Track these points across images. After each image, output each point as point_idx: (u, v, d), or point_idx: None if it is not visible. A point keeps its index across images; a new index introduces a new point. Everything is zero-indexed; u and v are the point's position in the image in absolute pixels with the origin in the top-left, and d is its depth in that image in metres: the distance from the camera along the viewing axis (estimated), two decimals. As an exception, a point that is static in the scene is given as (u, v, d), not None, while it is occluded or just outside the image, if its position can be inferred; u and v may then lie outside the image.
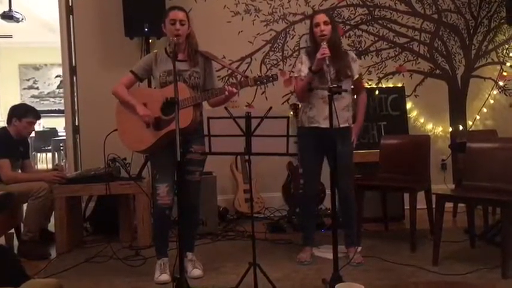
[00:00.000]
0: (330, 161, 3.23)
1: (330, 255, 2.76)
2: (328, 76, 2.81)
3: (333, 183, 2.81)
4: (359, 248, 3.32)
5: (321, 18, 3.14)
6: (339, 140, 3.13)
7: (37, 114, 3.93)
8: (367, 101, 4.81)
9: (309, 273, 3.06)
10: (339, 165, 2.98)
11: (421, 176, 3.75)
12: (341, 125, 3.13)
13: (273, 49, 4.84)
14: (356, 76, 3.26)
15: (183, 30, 2.94)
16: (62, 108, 4.97)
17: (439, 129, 5.03)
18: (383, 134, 4.69)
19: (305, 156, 3.32)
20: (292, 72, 3.39)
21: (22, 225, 3.75)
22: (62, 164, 7.66)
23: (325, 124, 3.13)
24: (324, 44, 2.99)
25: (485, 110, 5.08)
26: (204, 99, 2.96)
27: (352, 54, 3.34)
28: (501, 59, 5.12)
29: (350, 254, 3.22)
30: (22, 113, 3.82)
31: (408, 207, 3.60)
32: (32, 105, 4.34)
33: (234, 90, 2.87)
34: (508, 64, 5.10)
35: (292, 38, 4.84)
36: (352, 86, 3.32)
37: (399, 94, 4.90)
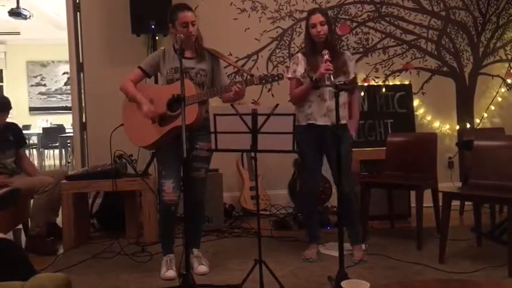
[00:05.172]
0: (329, 159, 3.23)
1: (336, 253, 2.76)
2: (325, 76, 2.83)
3: (339, 181, 2.80)
4: (363, 246, 3.32)
5: (317, 18, 3.11)
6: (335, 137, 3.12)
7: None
8: (374, 98, 4.83)
9: (314, 270, 3.06)
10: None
11: (428, 173, 3.73)
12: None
13: (279, 46, 4.83)
14: (352, 75, 3.24)
15: (196, 30, 2.96)
16: (69, 105, 4.99)
17: (446, 127, 5.01)
18: (390, 131, 4.68)
19: (304, 153, 3.31)
20: (287, 73, 3.36)
21: (29, 220, 3.78)
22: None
23: (322, 121, 3.16)
24: (326, 55, 2.95)
25: (493, 107, 5.05)
26: (209, 97, 2.96)
27: (347, 53, 3.32)
28: (509, 57, 5.08)
29: (355, 252, 3.22)
30: None
31: (414, 205, 3.59)
32: (40, 102, 4.35)
33: (239, 88, 2.86)
34: (516, 62, 5.07)
35: (299, 35, 4.82)
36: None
37: (406, 91, 4.87)
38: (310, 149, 3.27)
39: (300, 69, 3.23)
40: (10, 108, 3.94)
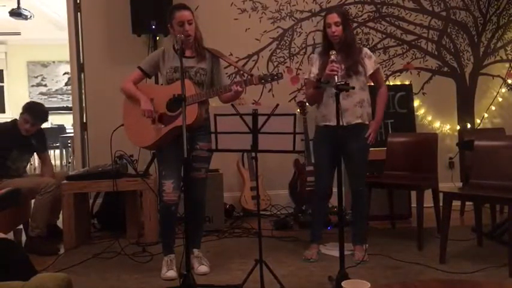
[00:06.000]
0: (344, 159, 3.23)
1: (336, 253, 2.76)
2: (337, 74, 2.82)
3: (340, 181, 2.80)
4: (365, 246, 3.31)
5: (332, 18, 3.10)
6: (351, 137, 3.11)
7: (34, 115, 3.79)
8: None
9: (315, 270, 3.06)
10: (351, 163, 2.94)
11: (429, 174, 3.73)
12: (353, 122, 3.12)
13: (280, 46, 4.83)
14: (370, 72, 3.22)
15: (192, 29, 2.95)
16: (70, 105, 5.00)
17: (446, 127, 5.01)
18: (390, 131, 4.67)
19: (317, 153, 3.32)
20: (304, 73, 3.37)
21: (30, 220, 3.78)
22: None
23: (334, 122, 3.13)
24: (333, 55, 2.91)
25: (493, 107, 5.05)
26: (209, 97, 2.96)
27: (366, 50, 3.27)
28: (510, 57, 5.08)
29: (356, 252, 3.22)
30: (24, 109, 3.84)
31: (415, 205, 3.59)
32: (40, 102, 4.34)
33: (239, 89, 2.87)
34: (517, 62, 5.07)
35: (300, 35, 4.83)
36: (372, 83, 3.35)
37: (406, 92, 4.87)
38: (320, 149, 3.27)
39: (314, 70, 3.22)
40: (47, 119, 4.02)
